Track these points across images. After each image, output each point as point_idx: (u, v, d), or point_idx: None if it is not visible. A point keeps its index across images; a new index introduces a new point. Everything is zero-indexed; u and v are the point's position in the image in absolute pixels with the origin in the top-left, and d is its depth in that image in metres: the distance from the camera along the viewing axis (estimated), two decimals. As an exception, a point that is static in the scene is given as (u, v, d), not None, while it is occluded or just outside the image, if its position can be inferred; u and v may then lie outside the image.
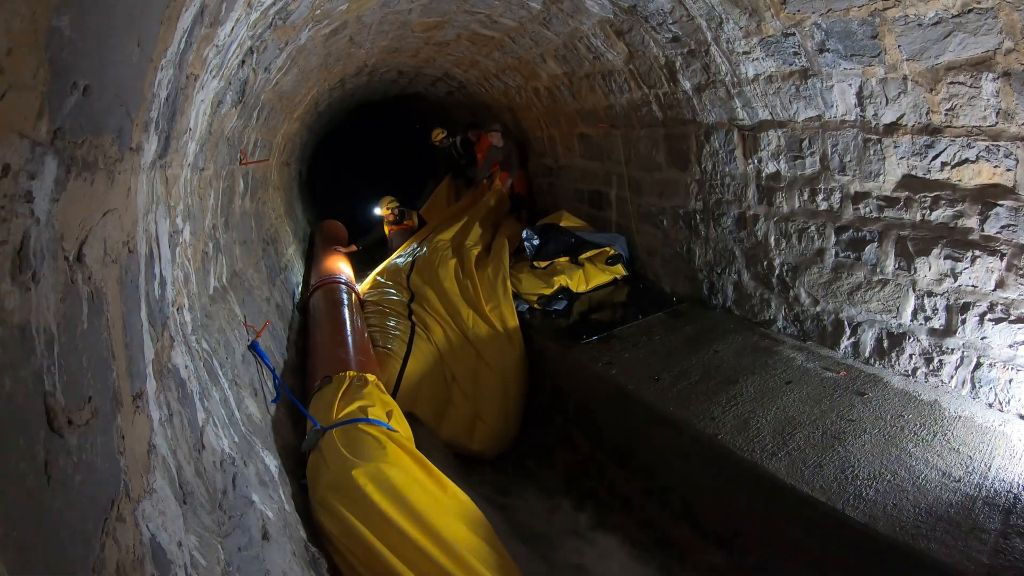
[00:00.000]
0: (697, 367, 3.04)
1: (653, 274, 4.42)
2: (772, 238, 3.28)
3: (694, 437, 2.51)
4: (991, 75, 2.01)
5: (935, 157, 2.36)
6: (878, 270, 2.74)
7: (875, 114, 2.52)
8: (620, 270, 4.52)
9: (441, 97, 7.41)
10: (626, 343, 3.45)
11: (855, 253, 2.84)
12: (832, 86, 2.62)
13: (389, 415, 2.58)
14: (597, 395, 3.22)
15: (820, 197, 2.95)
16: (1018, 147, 2.08)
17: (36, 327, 0.69)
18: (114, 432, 0.92)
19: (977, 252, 2.32)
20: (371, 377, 2.90)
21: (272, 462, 2.07)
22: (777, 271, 3.29)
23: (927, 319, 2.57)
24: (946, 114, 2.24)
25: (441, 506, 2.09)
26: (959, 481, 2.00)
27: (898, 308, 2.69)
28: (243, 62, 2.38)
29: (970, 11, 1.94)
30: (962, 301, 2.42)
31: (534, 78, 4.95)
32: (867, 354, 2.86)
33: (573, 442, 3.48)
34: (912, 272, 2.59)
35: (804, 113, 2.86)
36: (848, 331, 2.94)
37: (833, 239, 2.93)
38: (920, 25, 2.10)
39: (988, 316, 2.34)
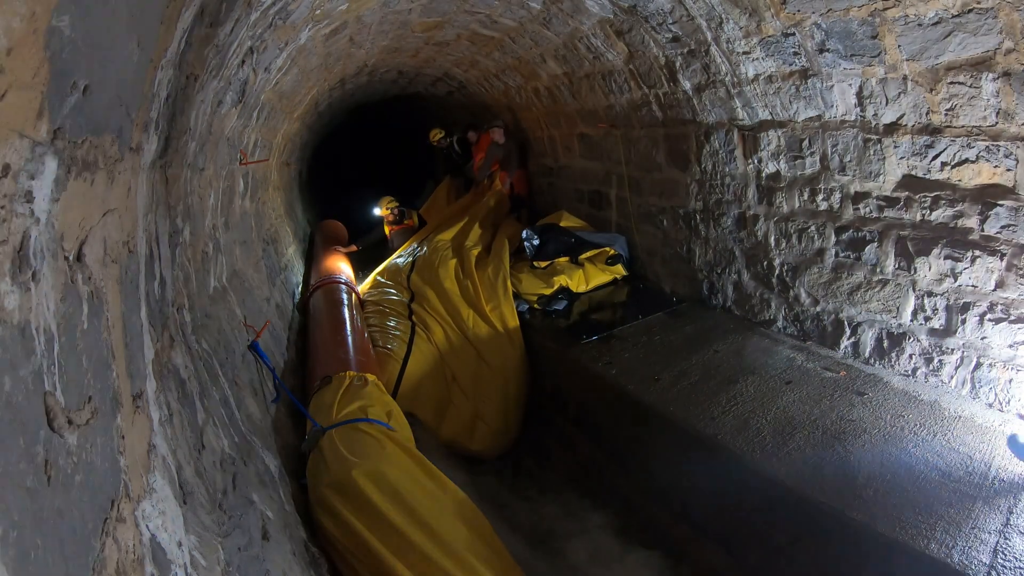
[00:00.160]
0: (697, 367, 3.04)
1: (653, 274, 4.42)
2: (772, 238, 3.28)
3: (694, 437, 2.51)
4: (991, 75, 2.01)
5: (935, 157, 2.36)
6: (878, 270, 2.74)
7: (875, 114, 2.52)
8: (620, 270, 4.52)
9: (441, 97, 7.41)
10: (626, 343, 3.45)
11: (855, 253, 2.84)
12: (832, 86, 2.62)
13: (389, 415, 2.58)
14: (597, 395, 3.22)
15: (820, 197, 2.95)
16: (1018, 147, 2.07)
17: (36, 327, 0.69)
18: (114, 432, 0.92)
19: (977, 252, 2.32)
20: (371, 377, 2.90)
21: (272, 462, 2.07)
22: (777, 271, 3.29)
23: (927, 319, 2.57)
24: (946, 114, 2.24)
25: (441, 506, 2.09)
26: (959, 481, 2.00)
27: (898, 308, 2.69)
28: (243, 62, 2.38)
29: (970, 11, 1.94)
30: (962, 301, 2.42)
31: (534, 78, 4.95)
32: (867, 354, 2.86)
33: (573, 442, 3.48)
34: (912, 272, 2.59)
35: (804, 113, 2.86)
36: (848, 331, 2.94)
37: (833, 239, 2.93)
38: (920, 25, 2.10)
39: (988, 316, 2.34)
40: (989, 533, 1.77)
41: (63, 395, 0.74)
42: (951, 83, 2.15)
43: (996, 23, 1.90)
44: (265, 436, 2.21)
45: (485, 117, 6.72)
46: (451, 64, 5.60)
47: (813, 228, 3.04)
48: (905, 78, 2.30)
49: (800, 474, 2.14)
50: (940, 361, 2.55)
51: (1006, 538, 1.75)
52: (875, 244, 2.73)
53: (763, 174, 3.25)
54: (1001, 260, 2.25)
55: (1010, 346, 2.28)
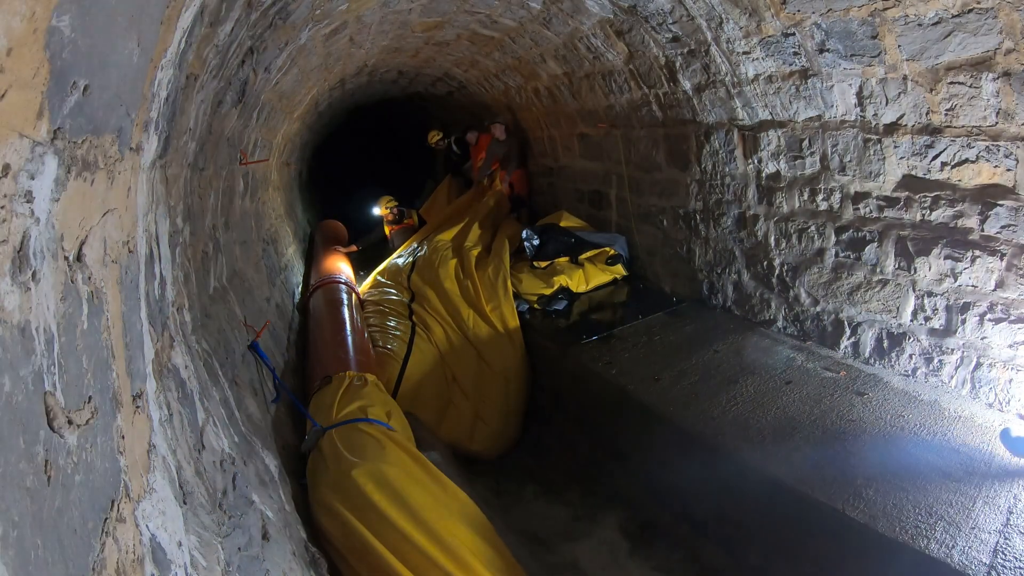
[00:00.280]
0: (697, 367, 3.04)
1: (653, 274, 4.42)
2: (772, 238, 3.28)
3: (694, 437, 2.51)
4: (991, 75, 2.01)
5: (935, 157, 2.36)
6: (878, 270, 2.74)
7: (875, 114, 2.52)
8: (620, 270, 4.52)
9: (441, 97, 7.41)
10: (626, 343, 3.45)
11: (855, 253, 2.84)
12: (832, 86, 2.62)
13: (389, 415, 2.58)
14: (597, 395, 3.22)
15: (820, 197, 2.95)
16: (1018, 147, 2.08)
17: (36, 327, 0.69)
18: (114, 432, 0.92)
19: (977, 252, 2.32)
20: (371, 377, 2.90)
21: (272, 462, 2.07)
22: (777, 271, 3.29)
23: (927, 319, 2.57)
24: (946, 114, 2.24)
25: (441, 506, 2.09)
26: (959, 481, 2.00)
27: (898, 308, 2.69)
28: (243, 62, 2.38)
29: (970, 11, 1.94)
30: (962, 301, 2.42)
31: (534, 78, 4.95)
32: (867, 354, 2.86)
33: (573, 442, 3.48)
34: (912, 272, 2.59)
35: (804, 113, 2.86)
36: (848, 331, 2.94)
37: (833, 239, 2.93)
38: (920, 25, 2.10)
39: (988, 316, 2.34)
40: (989, 533, 1.77)
41: (63, 395, 0.74)
42: (951, 83, 2.15)
43: (996, 23, 1.90)
44: (265, 436, 2.21)
45: (485, 117, 6.71)
46: (451, 64, 5.60)
47: (813, 228, 3.04)
48: (905, 78, 2.30)
49: (800, 474, 2.14)
50: (940, 361, 2.55)
51: (1006, 538, 1.75)
52: (875, 244, 2.73)
53: (763, 174, 3.25)
54: (1001, 260, 2.25)
55: (1010, 346, 2.28)
